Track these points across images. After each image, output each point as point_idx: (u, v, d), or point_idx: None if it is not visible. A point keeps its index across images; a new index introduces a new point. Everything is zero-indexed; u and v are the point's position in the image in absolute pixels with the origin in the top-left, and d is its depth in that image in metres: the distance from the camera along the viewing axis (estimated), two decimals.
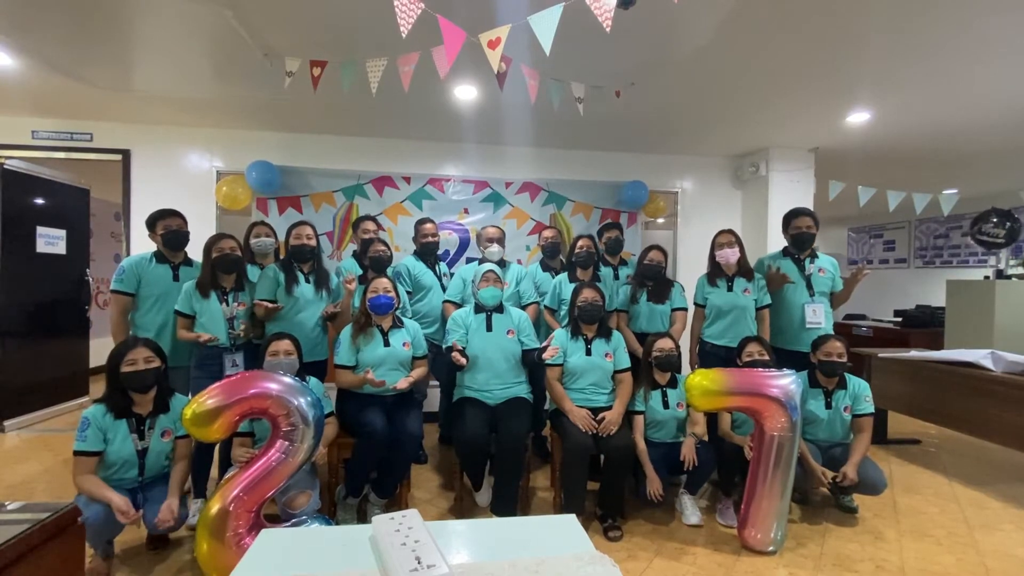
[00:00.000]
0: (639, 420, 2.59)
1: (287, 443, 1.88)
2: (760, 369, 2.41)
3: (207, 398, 1.81)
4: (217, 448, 2.52)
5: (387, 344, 2.53)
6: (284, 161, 4.01)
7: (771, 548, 2.24)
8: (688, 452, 2.46)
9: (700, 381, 2.25)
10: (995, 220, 4.74)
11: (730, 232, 2.98)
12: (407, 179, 4.24)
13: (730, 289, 2.94)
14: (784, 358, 2.81)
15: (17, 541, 1.03)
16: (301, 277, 2.66)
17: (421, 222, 3.31)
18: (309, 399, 1.95)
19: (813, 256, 3.03)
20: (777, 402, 2.20)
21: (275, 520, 2.05)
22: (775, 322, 2.99)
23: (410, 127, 3.98)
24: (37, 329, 3.99)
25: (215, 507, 1.79)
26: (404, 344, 2.56)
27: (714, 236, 3.02)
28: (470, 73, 2.94)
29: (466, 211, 4.32)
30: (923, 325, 5.39)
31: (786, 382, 2.24)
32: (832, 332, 2.90)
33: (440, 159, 4.32)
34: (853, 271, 2.98)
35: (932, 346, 4.39)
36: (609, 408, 2.62)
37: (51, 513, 1.15)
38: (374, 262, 2.93)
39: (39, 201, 4.05)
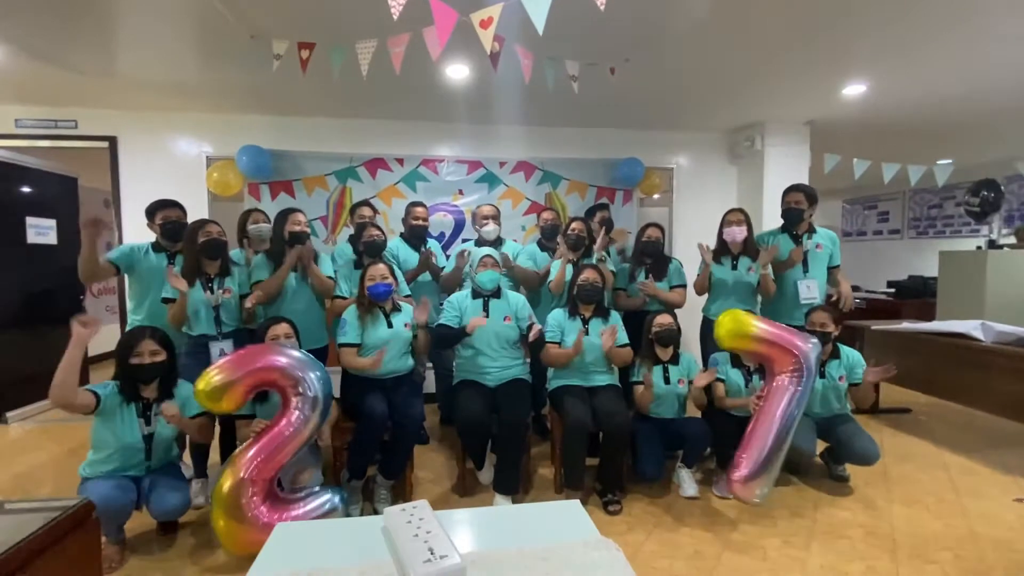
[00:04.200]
0: (639, 389, 2.64)
1: (298, 412, 1.94)
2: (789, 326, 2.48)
3: (217, 372, 1.87)
4: (217, 431, 2.56)
5: (390, 326, 2.55)
6: (275, 145, 3.95)
7: (756, 499, 2.28)
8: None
9: (730, 321, 2.35)
10: (981, 190, 4.76)
11: (740, 211, 3.01)
12: (400, 161, 4.20)
13: (734, 267, 2.98)
14: None
15: (35, 537, 1.05)
16: None
17: (413, 205, 3.30)
18: (318, 373, 2.01)
19: (811, 231, 3.05)
20: (794, 357, 2.27)
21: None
22: (774, 299, 3.03)
23: (402, 107, 3.92)
24: (33, 320, 3.97)
25: (229, 481, 1.84)
26: (405, 325, 2.59)
27: (724, 214, 3.04)
28: (462, 52, 2.89)
29: (461, 192, 4.29)
30: (915, 295, 5.45)
31: (808, 346, 2.31)
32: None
33: (433, 140, 4.27)
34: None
35: (924, 316, 4.46)
36: (608, 385, 2.66)
37: (67, 508, 1.17)
38: (369, 247, 2.92)
39: (26, 191, 3.99)
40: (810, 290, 2.96)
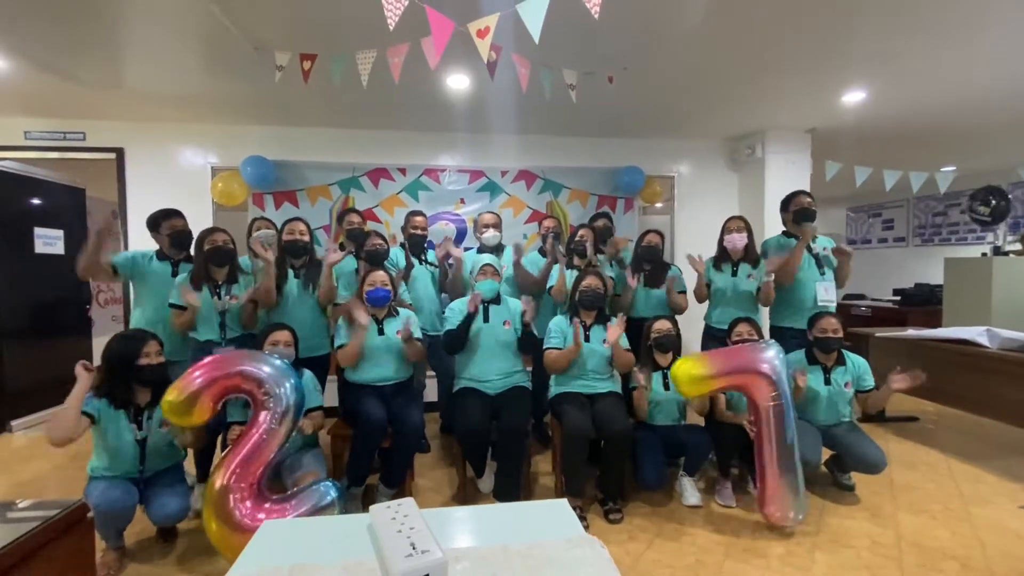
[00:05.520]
0: (638, 395, 2.63)
1: (266, 412, 1.93)
2: (741, 345, 2.43)
3: (174, 389, 1.86)
4: (220, 437, 2.57)
5: (381, 333, 2.56)
6: (278, 155, 3.99)
7: (790, 522, 2.24)
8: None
9: (685, 369, 2.25)
10: (990, 198, 4.74)
11: (740, 219, 3.03)
12: (402, 170, 4.23)
13: (734, 274, 2.98)
14: (798, 337, 2.85)
15: (29, 538, 1.06)
16: (290, 273, 2.69)
17: (412, 214, 3.32)
18: (276, 366, 1.99)
19: (814, 237, 3.05)
20: (762, 375, 2.21)
21: (281, 489, 2.10)
22: (789, 302, 3.00)
23: (404, 118, 3.96)
24: (40, 330, 4.01)
25: (216, 485, 1.83)
26: (398, 332, 2.59)
27: (724, 222, 3.06)
28: (462, 62, 2.93)
29: (463, 201, 4.32)
30: (921, 303, 5.41)
31: (769, 354, 2.25)
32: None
33: (435, 149, 4.31)
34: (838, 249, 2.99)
35: (930, 324, 4.41)
36: (609, 393, 2.65)
37: (61, 510, 1.18)
38: (371, 256, 2.94)
39: (35, 202, 4.05)
40: (827, 292, 2.94)
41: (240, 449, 1.88)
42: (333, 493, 1.94)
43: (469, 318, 2.61)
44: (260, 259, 2.63)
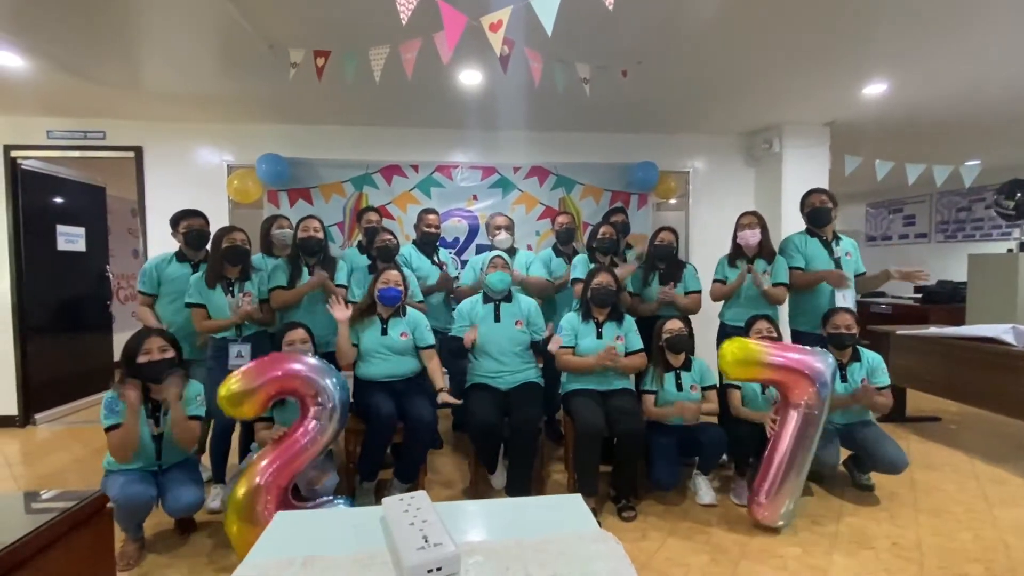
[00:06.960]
0: (649, 399, 2.61)
1: (316, 422, 1.95)
2: (802, 346, 2.40)
3: (238, 379, 1.89)
4: (236, 435, 2.60)
5: (384, 332, 2.57)
6: (293, 153, 4.03)
7: (780, 523, 2.23)
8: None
9: (735, 350, 2.24)
10: (1015, 192, 4.62)
11: (753, 214, 2.96)
12: (415, 167, 4.24)
13: (749, 271, 2.92)
14: (814, 342, 2.78)
15: (49, 527, 1.08)
16: (305, 271, 2.71)
17: (425, 211, 3.32)
18: (335, 380, 2.03)
19: (836, 239, 2.99)
20: (811, 380, 2.18)
21: (298, 497, 2.11)
22: (807, 306, 2.95)
23: (416, 115, 3.97)
24: (62, 325, 4.10)
25: (244, 487, 1.85)
26: (402, 334, 2.59)
27: (738, 217, 3.00)
28: (474, 58, 2.92)
29: (475, 198, 4.31)
30: (944, 301, 5.28)
31: (824, 363, 2.22)
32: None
33: (447, 146, 4.31)
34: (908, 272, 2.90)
35: (953, 322, 4.31)
36: (623, 389, 2.63)
37: (81, 500, 1.20)
38: (381, 252, 2.95)
39: (57, 200, 4.14)
40: (846, 299, 2.87)
41: (283, 450, 1.91)
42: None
43: (463, 349, 2.68)
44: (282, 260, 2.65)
